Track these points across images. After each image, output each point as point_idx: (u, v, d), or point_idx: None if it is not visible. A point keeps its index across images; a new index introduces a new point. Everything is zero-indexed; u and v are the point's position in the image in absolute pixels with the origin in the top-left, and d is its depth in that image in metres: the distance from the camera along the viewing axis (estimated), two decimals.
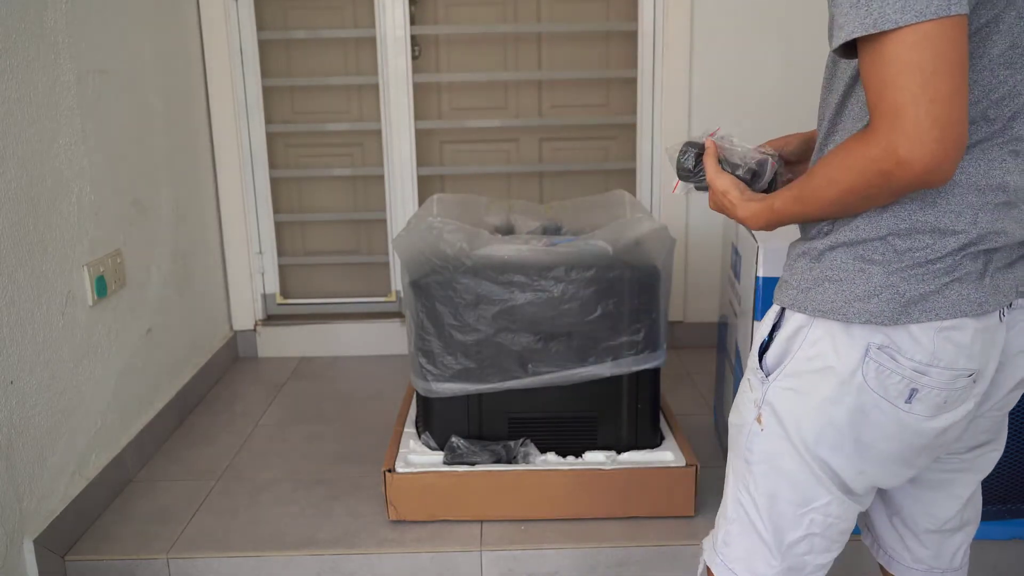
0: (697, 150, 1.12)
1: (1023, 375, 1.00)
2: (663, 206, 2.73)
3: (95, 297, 1.87)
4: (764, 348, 1.01)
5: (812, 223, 0.98)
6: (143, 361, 2.13)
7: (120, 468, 1.95)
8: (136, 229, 2.11)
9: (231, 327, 2.81)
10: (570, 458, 1.80)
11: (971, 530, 1.16)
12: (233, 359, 2.79)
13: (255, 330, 2.82)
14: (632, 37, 2.67)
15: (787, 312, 0.98)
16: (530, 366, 1.73)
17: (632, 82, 2.71)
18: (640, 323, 1.73)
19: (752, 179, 1.09)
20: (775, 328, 1.00)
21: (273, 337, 2.82)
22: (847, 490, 0.99)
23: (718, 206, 1.07)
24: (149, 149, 2.21)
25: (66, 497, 1.74)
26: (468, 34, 2.71)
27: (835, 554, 1.05)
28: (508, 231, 1.96)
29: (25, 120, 1.64)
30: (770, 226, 1.01)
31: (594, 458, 1.79)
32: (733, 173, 1.08)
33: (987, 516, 1.66)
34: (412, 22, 2.65)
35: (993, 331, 0.93)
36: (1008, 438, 1.60)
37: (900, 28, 0.76)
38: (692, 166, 1.15)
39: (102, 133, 1.94)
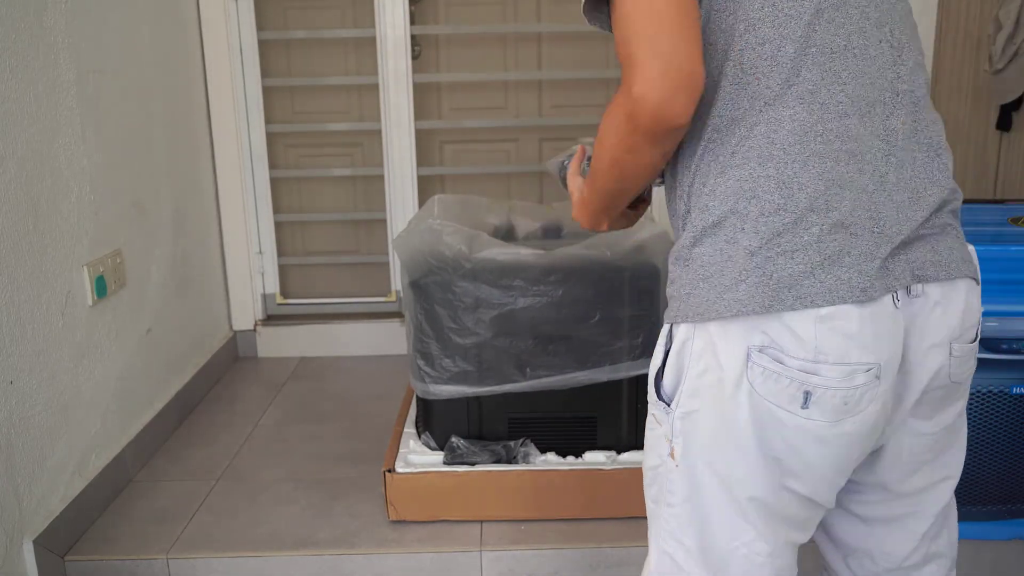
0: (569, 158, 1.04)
1: (934, 372, 0.90)
2: (663, 206, 2.72)
3: (95, 297, 1.87)
4: (659, 376, 0.93)
5: (678, 223, 0.94)
6: (143, 361, 2.13)
7: (120, 468, 1.95)
8: (136, 229, 2.11)
9: (231, 327, 2.81)
10: (570, 458, 1.80)
11: (944, 563, 1.04)
12: (233, 359, 2.79)
13: (255, 330, 2.82)
14: None
15: (674, 328, 0.92)
16: (528, 370, 1.74)
17: None
18: (639, 328, 1.73)
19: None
20: (667, 352, 0.92)
21: (273, 337, 2.82)
22: (778, 518, 0.91)
23: None
24: (149, 149, 2.21)
25: (66, 497, 1.74)
26: (468, 34, 2.71)
27: None
28: (508, 231, 1.96)
29: (25, 120, 1.64)
30: (596, 219, 1.00)
31: (594, 458, 1.79)
32: None
33: (987, 516, 1.67)
34: (412, 22, 2.65)
35: (887, 319, 0.85)
36: (1007, 438, 1.61)
37: None
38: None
39: (102, 133, 1.94)
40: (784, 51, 0.85)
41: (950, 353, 0.91)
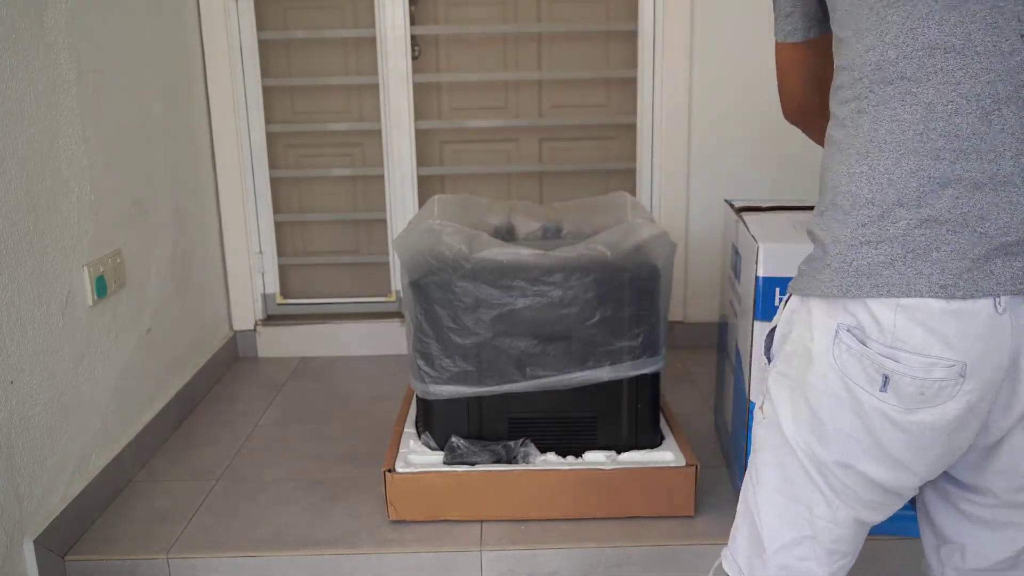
0: None
1: None
2: (663, 206, 2.73)
3: (95, 297, 1.87)
4: (771, 335, 1.03)
5: None
6: (143, 361, 2.13)
7: (120, 468, 1.95)
8: (136, 229, 2.11)
9: (231, 327, 2.81)
10: (570, 458, 1.80)
11: None
12: (233, 359, 2.79)
13: (255, 330, 2.82)
14: (632, 37, 2.67)
15: (791, 297, 1.01)
16: (528, 370, 1.74)
17: (632, 82, 2.70)
18: (639, 328, 1.73)
19: None
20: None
21: (273, 337, 2.82)
22: (845, 491, 0.96)
23: None
24: (149, 149, 2.21)
25: (66, 497, 1.74)
26: (468, 34, 2.71)
27: (837, 567, 1.00)
28: (508, 231, 1.96)
29: (25, 120, 1.64)
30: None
31: (594, 458, 1.79)
32: None
33: None
34: (412, 22, 2.65)
35: (983, 321, 0.86)
36: None
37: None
38: None
39: (102, 133, 1.94)
40: (887, 56, 0.89)
41: None
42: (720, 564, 1.11)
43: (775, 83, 1.18)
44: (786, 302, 1.02)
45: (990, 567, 1.04)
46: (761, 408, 1.03)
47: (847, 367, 0.91)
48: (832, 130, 0.97)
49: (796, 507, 0.99)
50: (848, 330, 0.90)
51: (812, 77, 1.12)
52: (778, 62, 1.16)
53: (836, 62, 0.97)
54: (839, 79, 0.96)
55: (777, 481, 1.00)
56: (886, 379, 0.89)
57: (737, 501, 1.09)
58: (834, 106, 0.97)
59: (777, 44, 1.13)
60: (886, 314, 0.88)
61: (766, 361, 1.03)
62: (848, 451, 0.94)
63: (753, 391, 1.66)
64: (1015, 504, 0.99)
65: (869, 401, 0.90)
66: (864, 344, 0.89)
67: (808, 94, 1.14)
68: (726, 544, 1.12)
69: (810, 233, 0.99)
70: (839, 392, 0.92)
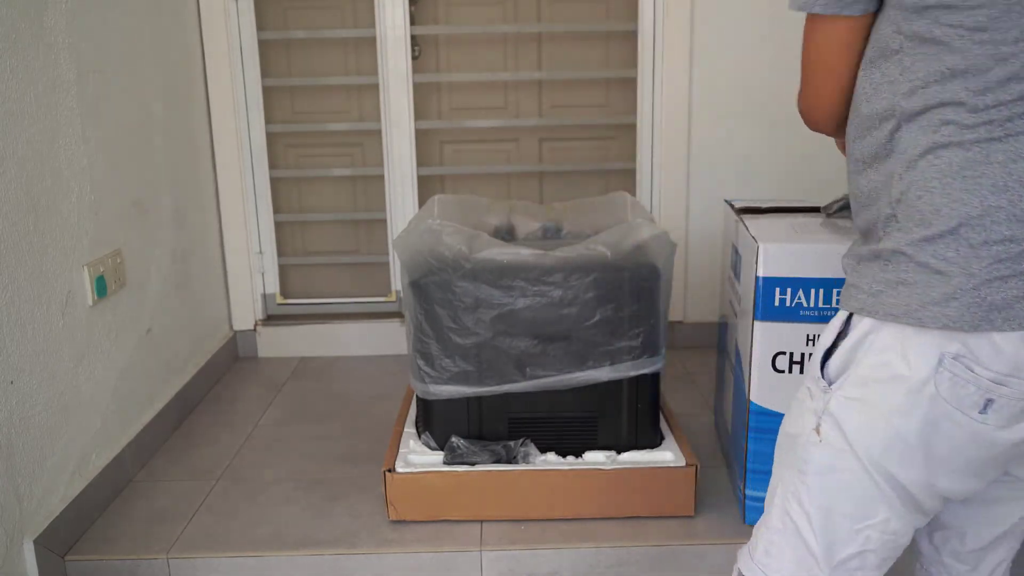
0: None
1: None
2: (663, 206, 2.73)
3: (95, 297, 1.87)
4: (827, 355, 0.98)
5: (873, 222, 0.96)
6: (143, 361, 2.13)
7: (120, 468, 1.95)
8: (136, 229, 2.11)
9: (231, 327, 2.81)
10: (570, 458, 1.80)
11: (1014, 546, 1.11)
12: (233, 359, 2.79)
13: (255, 330, 2.82)
14: (632, 37, 2.67)
15: (854, 318, 0.96)
16: (528, 370, 1.74)
17: (632, 82, 2.71)
18: (639, 328, 1.73)
19: None
20: (840, 335, 0.97)
21: (273, 337, 2.82)
22: (913, 505, 0.97)
23: None
24: (149, 149, 2.21)
25: (66, 497, 1.74)
26: (468, 34, 2.71)
27: (885, 570, 1.02)
28: (508, 231, 1.96)
29: (25, 120, 1.64)
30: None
31: (594, 458, 1.79)
32: None
33: None
34: (412, 22, 2.65)
35: None
36: None
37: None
38: None
39: (102, 133, 1.94)
40: None
41: None
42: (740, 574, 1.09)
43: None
44: (846, 322, 0.97)
45: (984, 545, 1.08)
46: (816, 430, 0.99)
47: (950, 394, 0.90)
48: (944, 149, 0.89)
49: (856, 525, 0.98)
50: (955, 358, 0.89)
51: (856, 65, 0.98)
52: (819, 46, 0.98)
53: (945, 80, 0.89)
54: (956, 95, 0.88)
55: (839, 501, 0.99)
56: (988, 403, 0.89)
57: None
58: (939, 123, 0.89)
59: (820, 20, 0.96)
60: (1012, 345, 0.87)
61: (824, 384, 0.98)
62: (935, 472, 0.94)
63: (755, 392, 1.66)
64: (1021, 479, 1.02)
65: (968, 424, 0.90)
66: (971, 371, 0.89)
67: (850, 88, 0.99)
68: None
69: (901, 255, 0.92)
70: (937, 419, 0.91)
